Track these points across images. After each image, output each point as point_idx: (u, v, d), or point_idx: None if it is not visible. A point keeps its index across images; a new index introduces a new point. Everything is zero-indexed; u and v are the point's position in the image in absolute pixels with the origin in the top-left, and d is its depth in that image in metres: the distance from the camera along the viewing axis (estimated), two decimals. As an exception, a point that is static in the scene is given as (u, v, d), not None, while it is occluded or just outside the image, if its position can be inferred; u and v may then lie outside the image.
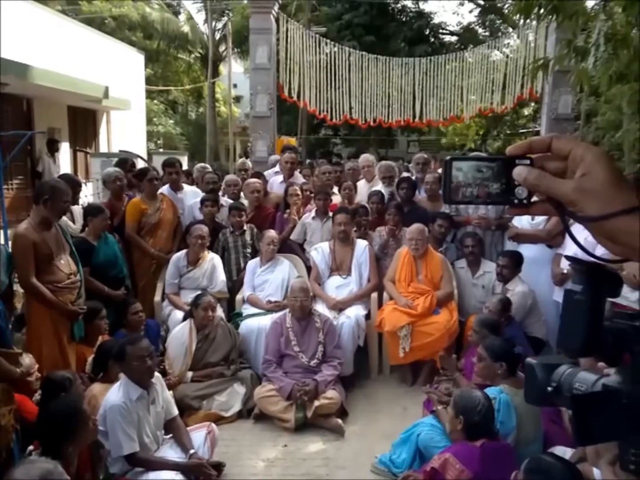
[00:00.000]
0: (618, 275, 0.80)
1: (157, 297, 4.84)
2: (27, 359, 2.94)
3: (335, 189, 5.69)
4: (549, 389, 0.83)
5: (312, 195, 5.40)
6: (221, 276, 4.83)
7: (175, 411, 3.28)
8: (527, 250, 4.40)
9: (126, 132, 13.10)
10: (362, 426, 3.83)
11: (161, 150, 18.02)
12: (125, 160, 5.95)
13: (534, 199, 0.71)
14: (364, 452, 3.46)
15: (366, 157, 5.95)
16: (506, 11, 18.87)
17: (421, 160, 5.86)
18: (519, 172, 0.69)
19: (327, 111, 10.70)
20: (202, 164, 6.60)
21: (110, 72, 11.84)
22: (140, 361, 2.99)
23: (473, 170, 0.72)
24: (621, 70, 4.26)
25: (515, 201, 0.71)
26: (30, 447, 2.57)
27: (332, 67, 10.65)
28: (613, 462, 0.72)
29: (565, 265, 4.05)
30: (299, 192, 5.31)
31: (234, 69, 22.25)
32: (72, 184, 4.68)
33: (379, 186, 5.61)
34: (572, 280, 0.80)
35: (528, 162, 0.69)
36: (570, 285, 0.78)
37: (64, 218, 4.31)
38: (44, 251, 3.49)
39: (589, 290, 0.76)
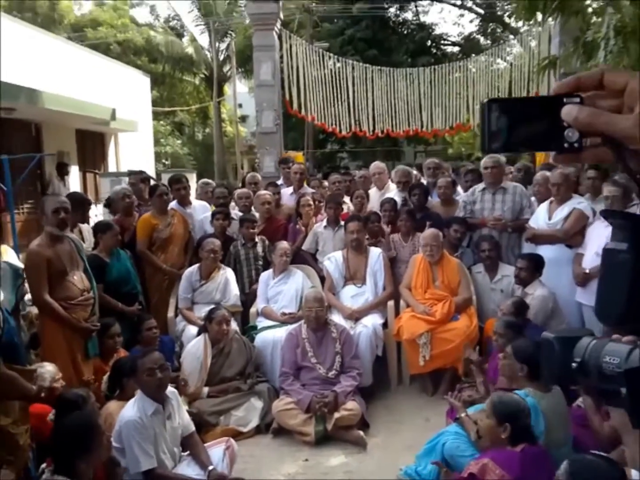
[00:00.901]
0: None
1: (171, 313, 4.78)
2: (50, 367, 2.87)
3: (346, 199, 5.63)
4: (573, 365, 0.75)
5: (323, 204, 5.35)
6: (234, 290, 4.77)
7: (192, 427, 3.20)
8: (547, 252, 4.30)
9: (134, 153, 13.20)
10: (384, 438, 3.72)
11: (169, 169, 18.14)
12: (141, 172, 5.93)
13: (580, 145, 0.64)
14: (387, 464, 3.35)
15: (377, 164, 5.89)
16: (507, 16, 18.96)
17: (432, 165, 5.81)
18: (569, 111, 0.61)
19: (334, 124, 10.74)
20: (205, 180, 6.51)
21: (116, 95, 11.97)
22: (150, 373, 2.94)
23: (515, 113, 0.64)
24: (631, 65, 4.20)
25: (565, 145, 0.63)
26: (44, 465, 2.50)
27: (337, 81, 10.69)
28: None
29: (587, 264, 3.95)
30: (311, 203, 5.26)
31: (239, 89, 22.46)
32: (80, 202, 4.67)
33: (391, 193, 5.55)
34: (613, 239, 0.72)
35: (578, 99, 0.62)
36: (612, 244, 0.71)
37: (72, 235, 4.28)
38: (58, 267, 3.46)
39: (636, 247, 0.69)
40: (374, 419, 3.92)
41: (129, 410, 2.93)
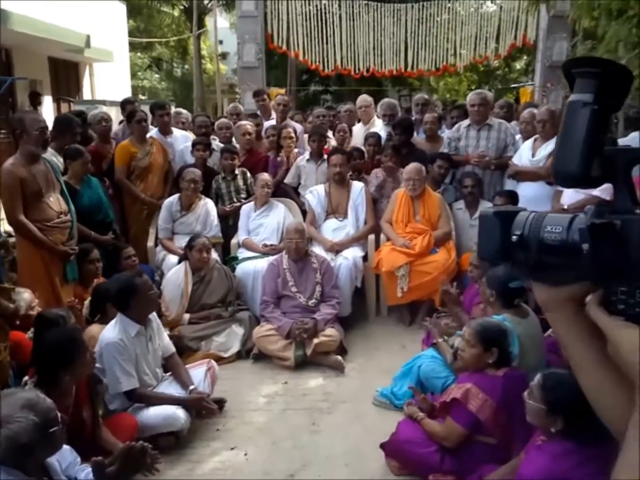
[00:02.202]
0: (630, 75, 0.68)
1: (150, 243, 4.73)
2: (26, 294, 2.86)
3: (330, 134, 5.53)
4: (513, 238, 0.74)
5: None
6: (215, 221, 4.73)
7: (173, 348, 3.24)
8: (527, 189, 4.33)
9: (110, 85, 12.70)
10: (361, 363, 3.82)
11: (147, 102, 17.58)
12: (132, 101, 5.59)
13: None
14: (364, 386, 3.46)
15: (364, 97, 5.72)
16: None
17: (421, 100, 5.70)
18: None
19: (318, 61, 10.44)
20: (178, 109, 6.23)
21: (91, 22, 11.37)
22: (152, 290, 3.04)
23: None
24: (620, 7, 4.13)
25: None
26: (26, 378, 2.50)
27: (322, 16, 10.31)
28: (599, 302, 0.67)
29: (565, 201, 3.99)
30: (293, 135, 5.16)
31: (220, 24, 21.53)
32: (68, 123, 4.48)
33: (377, 128, 5.46)
34: (577, 90, 0.66)
35: None
36: (576, 96, 0.65)
37: (61, 159, 4.15)
38: (33, 187, 3.37)
39: (601, 98, 0.64)
40: (352, 346, 4.01)
41: (110, 332, 2.93)
